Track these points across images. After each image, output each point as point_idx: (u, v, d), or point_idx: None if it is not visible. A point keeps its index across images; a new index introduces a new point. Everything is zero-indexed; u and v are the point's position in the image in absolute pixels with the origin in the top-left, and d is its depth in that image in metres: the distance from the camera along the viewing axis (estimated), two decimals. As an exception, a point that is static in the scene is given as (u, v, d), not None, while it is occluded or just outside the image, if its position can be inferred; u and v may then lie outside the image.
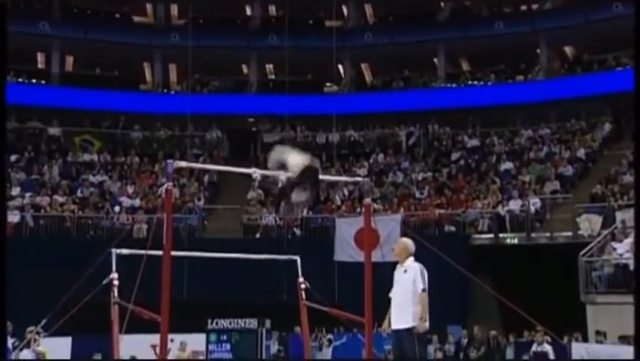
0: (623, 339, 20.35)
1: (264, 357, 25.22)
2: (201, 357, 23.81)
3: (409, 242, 11.74)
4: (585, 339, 22.24)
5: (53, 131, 36.26)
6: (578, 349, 20.81)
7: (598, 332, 21.65)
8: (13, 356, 17.99)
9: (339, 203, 32.37)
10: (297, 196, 10.48)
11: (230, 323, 25.64)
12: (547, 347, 21.03)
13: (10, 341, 20.81)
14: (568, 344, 21.30)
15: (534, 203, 29.38)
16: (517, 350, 22.92)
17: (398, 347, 11.41)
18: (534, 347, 21.39)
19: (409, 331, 11.10)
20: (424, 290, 11.10)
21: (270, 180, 11.30)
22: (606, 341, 21.16)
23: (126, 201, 31.90)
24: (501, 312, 23.81)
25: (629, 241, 22.87)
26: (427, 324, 11.07)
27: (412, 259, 11.47)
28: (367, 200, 12.89)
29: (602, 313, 22.40)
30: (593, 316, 22.68)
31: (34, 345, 17.37)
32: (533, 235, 28.72)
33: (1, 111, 10.18)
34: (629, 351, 19.55)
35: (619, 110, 34.46)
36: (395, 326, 11.34)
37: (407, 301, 11.18)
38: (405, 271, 11.38)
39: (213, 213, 33.17)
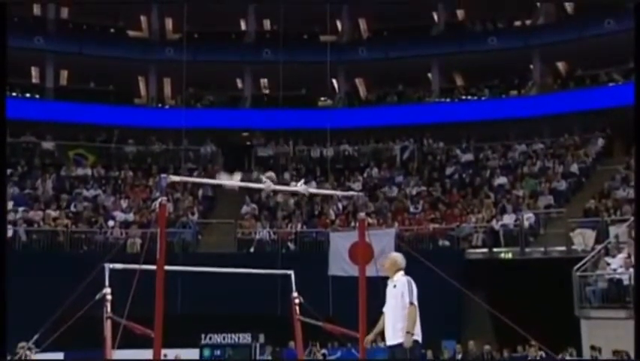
0: (617, 354, 20.34)
1: None
2: None
3: (398, 256, 11.67)
4: (579, 354, 22.32)
5: (47, 145, 36.34)
6: None
7: (592, 347, 21.59)
8: (4, 373, 17.95)
9: (333, 217, 32.41)
10: None
11: (223, 338, 25.89)
12: None
13: (0, 358, 20.83)
14: (562, 359, 21.42)
15: (528, 218, 29.38)
16: None
17: None
18: None
19: (401, 346, 10.98)
20: (411, 303, 10.98)
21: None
22: (601, 356, 21.08)
23: (120, 216, 31.86)
24: (495, 327, 23.83)
25: (623, 255, 22.98)
26: (414, 338, 10.92)
27: (401, 273, 11.37)
28: (361, 214, 13.10)
29: (597, 328, 22.31)
30: (588, 330, 22.60)
31: None
32: (527, 249, 28.72)
33: (2, 115, 10.16)
34: (623, 365, 19.74)
35: (612, 126, 34.67)
36: (388, 341, 11.24)
37: (398, 316, 11.10)
38: (394, 285, 11.30)
39: (207, 227, 33.15)
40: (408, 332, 10.86)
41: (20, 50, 33.66)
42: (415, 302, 10.96)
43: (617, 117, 33.47)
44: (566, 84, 37.77)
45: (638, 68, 12.14)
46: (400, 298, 11.08)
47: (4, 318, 10.45)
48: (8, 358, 18.84)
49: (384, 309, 11.37)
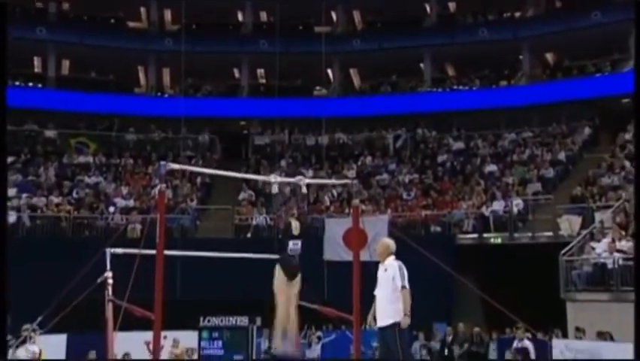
0: (600, 335, 20.63)
1: (254, 353, 25.42)
2: (195, 355, 23.66)
3: (389, 242, 11.95)
4: (565, 335, 22.33)
5: (49, 133, 36.68)
6: (557, 344, 20.76)
7: (577, 329, 21.54)
8: (10, 353, 18.40)
9: (328, 204, 32.72)
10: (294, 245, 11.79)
11: (221, 321, 25.66)
12: (528, 343, 20.88)
13: (6, 338, 21.28)
14: (548, 339, 21.40)
15: (517, 204, 29.64)
16: (500, 346, 22.83)
17: (383, 343, 11.70)
18: (515, 343, 21.21)
19: (390, 327, 11.33)
20: (403, 287, 11.25)
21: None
22: (585, 337, 20.96)
23: (120, 202, 32.17)
24: (485, 309, 24.00)
25: (607, 240, 23.06)
26: (409, 319, 11.24)
27: (392, 257, 11.63)
28: (356, 201, 13.25)
29: (582, 310, 22.43)
30: (573, 313, 22.71)
31: (30, 343, 17.49)
32: (516, 234, 28.94)
33: (2, 112, 10.53)
34: (606, 346, 19.81)
35: (598, 115, 35.00)
36: (379, 323, 11.56)
37: (388, 298, 11.39)
38: (385, 269, 11.57)
39: (205, 213, 33.43)
40: (405, 315, 11.19)
41: (23, 40, 34.09)
42: (407, 286, 11.29)
43: (604, 107, 34.07)
44: (555, 75, 37.89)
45: (638, 67, 12.40)
46: (391, 281, 11.37)
47: (4, 318, 10.73)
48: (12, 340, 19.43)
49: (376, 292, 11.68)
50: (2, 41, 10.86)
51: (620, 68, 33.73)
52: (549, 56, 39.86)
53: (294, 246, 11.79)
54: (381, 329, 11.58)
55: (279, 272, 11.64)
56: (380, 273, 11.69)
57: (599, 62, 36.09)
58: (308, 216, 30.21)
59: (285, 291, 11.58)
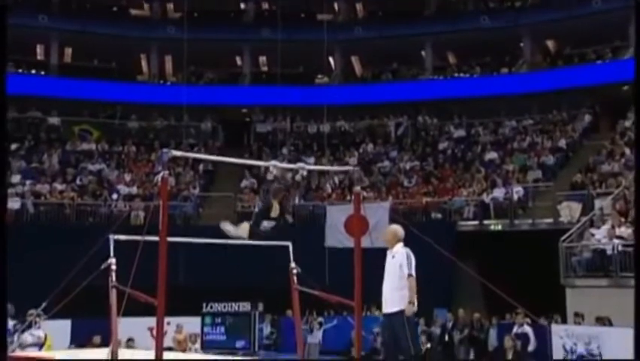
0: (599, 320, 20.63)
1: (256, 339, 25.41)
2: (198, 341, 23.77)
3: (398, 228, 11.93)
4: (564, 320, 22.46)
5: (52, 120, 36.73)
6: (557, 330, 20.89)
7: (576, 314, 21.75)
8: (15, 338, 18.58)
9: (329, 191, 32.82)
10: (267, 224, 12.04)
11: (224, 307, 25.55)
12: (528, 329, 21.01)
13: (11, 323, 21.48)
14: (547, 325, 21.44)
15: (517, 191, 29.68)
16: (500, 331, 22.67)
17: (389, 330, 11.66)
18: (515, 329, 21.32)
19: (397, 314, 11.32)
20: (410, 275, 11.25)
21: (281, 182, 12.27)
22: (584, 322, 21.24)
23: (123, 189, 32.33)
24: (485, 295, 24.11)
25: (607, 227, 23.14)
26: (415, 307, 11.28)
27: (400, 244, 11.65)
28: (357, 188, 13.09)
29: (581, 296, 22.56)
30: (572, 298, 22.81)
31: (35, 328, 17.44)
32: (516, 221, 28.94)
33: (2, 110, 10.54)
34: (605, 331, 20.09)
35: (598, 102, 35.01)
36: (385, 309, 11.59)
37: (394, 285, 11.38)
38: (393, 256, 11.57)
39: (208, 200, 33.54)
40: (410, 302, 11.20)
41: (25, 27, 34.14)
42: (414, 273, 11.30)
43: (604, 94, 34.06)
44: (555, 62, 37.77)
45: (637, 48, 12.40)
46: (398, 268, 11.38)
47: (4, 316, 10.76)
48: (18, 325, 19.59)
49: (384, 279, 11.67)
50: (3, 42, 10.88)
51: (620, 55, 33.72)
52: (550, 44, 39.67)
53: (267, 224, 12.05)
54: (387, 315, 11.63)
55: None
56: (388, 260, 11.72)
57: (600, 49, 36.01)
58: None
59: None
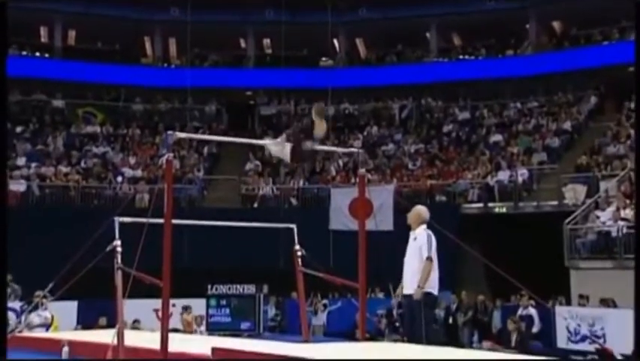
0: (603, 302, 20.79)
1: (261, 321, 25.69)
2: (203, 323, 23.97)
3: (422, 209, 12.09)
4: (568, 302, 22.61)
5: (57, 103, 36.69)
6: (561, 311, 21.12)
7: (581, 296, 21.95)
8: (22, 319, 18.68)
9: (334, 174, 32.86)
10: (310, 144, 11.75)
11: (229, 289, 25.79)
12: (532, 311, 21.25)
13: (18, 305, 21.62)
14: (552, 307, 21.56)
15: (522, 174, 29.60)
16: (504, 313, 22.84)
17: (408, 312, 11.83)
18: (520, 311, 21.57)
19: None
20: (428, 258, 11.38)
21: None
22: (588, 304, 21.45)
23: (128, 172, 32.31)
24: (489, 278, 24.25)
25: (612, 209, 23.22)
26: (429, 290, 11.40)
27: (424, 226, 11.80)
28: (361, 171, 13.14)
29: (585, 278, 22.78)
30: (577, 280, 23.06)
31: (42, 309, 17.62)
32: (521, 204, 28.88)
33: (2, 110, 10.46)
34: (609, 313, 20.18)
35: (604, 84, 34.92)
36: (406, 290, 11.72)
37: (415, 268, 11.51)
38: (415, 238, 11.75)
39: (212, 183, 33.61)
40: (419, 286, 11.31)
41: (29, 10, 33.96)
42: (433, 256, 11.42)
43: (610, 75, 33.76)
44: (561, 44, 37.63)
45: (638, 66, 12.32)
46: (419, 251, 11.53)
47: (4, 318, 10.69)
48: (25, 306, 19.71)
49: (405, 260, 11.83)
50: (3, 41, 10.81)
51: (627, 36, 33.47)
52: (556, 25, 39.50)
53: (310, 145, 11.84)
54: (406, 296, 11.74)
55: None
56: (410, 241, 11.86)
57: (607, 29, 35.77)
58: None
59: None
